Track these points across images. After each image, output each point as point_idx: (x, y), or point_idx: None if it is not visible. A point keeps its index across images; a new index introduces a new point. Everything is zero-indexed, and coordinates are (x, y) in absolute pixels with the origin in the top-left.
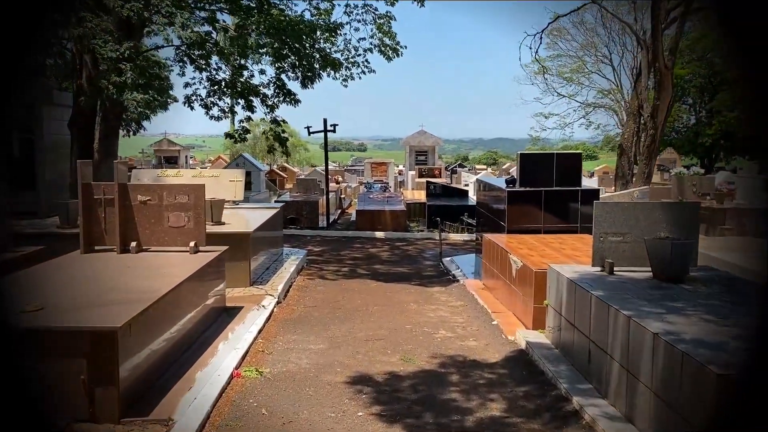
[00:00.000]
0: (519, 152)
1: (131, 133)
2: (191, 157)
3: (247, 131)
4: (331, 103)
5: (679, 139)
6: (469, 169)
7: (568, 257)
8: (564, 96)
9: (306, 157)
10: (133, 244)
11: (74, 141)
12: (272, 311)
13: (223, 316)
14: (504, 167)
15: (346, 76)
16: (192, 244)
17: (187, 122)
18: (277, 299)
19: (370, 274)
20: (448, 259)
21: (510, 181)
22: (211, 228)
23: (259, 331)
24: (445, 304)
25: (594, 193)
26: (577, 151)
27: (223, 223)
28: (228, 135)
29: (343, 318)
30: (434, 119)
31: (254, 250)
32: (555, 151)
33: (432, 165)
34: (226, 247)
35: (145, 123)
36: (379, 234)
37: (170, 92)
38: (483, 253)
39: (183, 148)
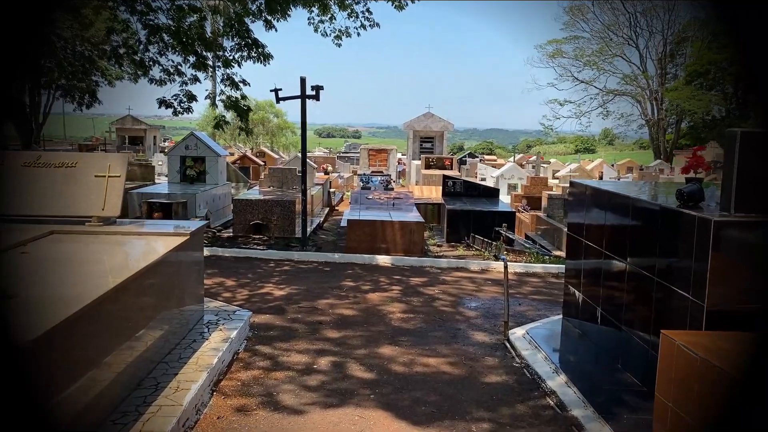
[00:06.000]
0: (739, 130)
1: (83, 107)
2: (167, 139)
3: (193, 98)
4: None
5: (707, 131)
6: (480, 160)
7: None
8: (582, 81)
9: (294, 141)
10: None
11: None
12: None
13: None
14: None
15: (339, 31)
16: None
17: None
18: None
19: (373, 384)
20: (521, 332)
21: (691, 194)
22: None
23: None
24: None
25: None
26: None
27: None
28: (163, 103)
29: None
30: (430, 106)
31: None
32: None
33: (440, 153)
34: None
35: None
36: (383, 259)
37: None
38: (660, 378)
39: (150, 127)
